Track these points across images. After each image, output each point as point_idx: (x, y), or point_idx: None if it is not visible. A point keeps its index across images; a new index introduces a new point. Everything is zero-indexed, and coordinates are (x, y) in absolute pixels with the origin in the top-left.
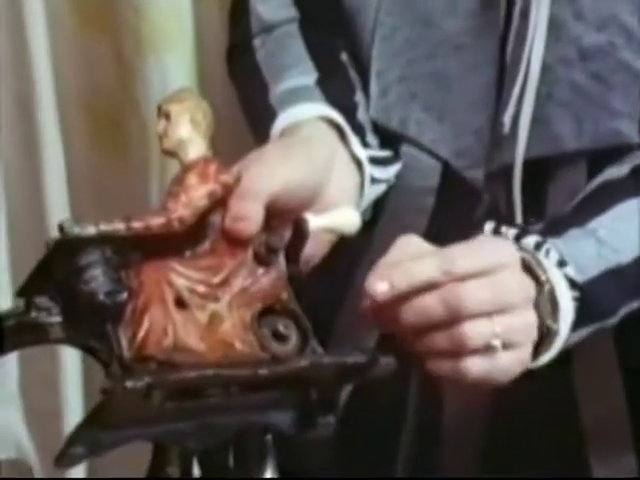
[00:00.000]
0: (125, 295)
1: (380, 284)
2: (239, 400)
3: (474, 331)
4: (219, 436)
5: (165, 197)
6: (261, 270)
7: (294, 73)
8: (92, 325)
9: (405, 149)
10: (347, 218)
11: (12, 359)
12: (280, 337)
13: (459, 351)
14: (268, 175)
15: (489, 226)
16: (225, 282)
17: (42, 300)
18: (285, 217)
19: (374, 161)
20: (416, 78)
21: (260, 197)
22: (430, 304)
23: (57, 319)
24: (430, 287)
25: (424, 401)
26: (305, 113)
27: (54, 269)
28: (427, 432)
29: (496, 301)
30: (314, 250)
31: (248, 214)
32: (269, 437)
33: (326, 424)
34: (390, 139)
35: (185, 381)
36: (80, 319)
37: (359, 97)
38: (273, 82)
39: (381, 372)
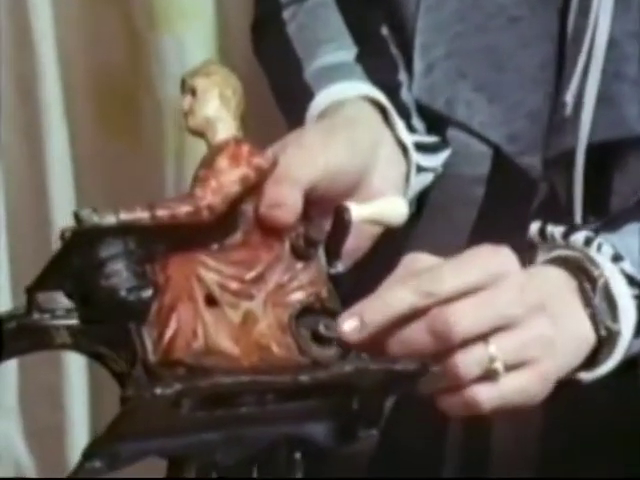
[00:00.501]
0: (150, 292)
1: (348, 322)
2: (273, 409)
3: (467, 359)
4: (249, 448)
5: (192, 182)
6: (299, 265)
7: (331, 48)
8: (111, 325)
9: (452, 133)
10: (393, 207)
11: (11, 367)
12: (321, 339)
13: (458, 383)
14: (308, 159)
15: (535, 226)
16: (260, 278)
17: (46, 300)
18: (323, 207)
19: (420, 147)
20: (465, 54)
21: (299, 183)
22: (415, 334)
23: (63, 322)
24: (417, 313)
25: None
26: (346, 92)
27: (71, 262)
28: (473, 453)
29: (490, 319)
30: (356, 244)
31: (286, 200)
32: (298, 454)
33: (368, 437)
34: (435, 122)
35: (219, 388)
36: (98, 318)
37: (402, 76)
38: (307, 58)
39: (431, 382)
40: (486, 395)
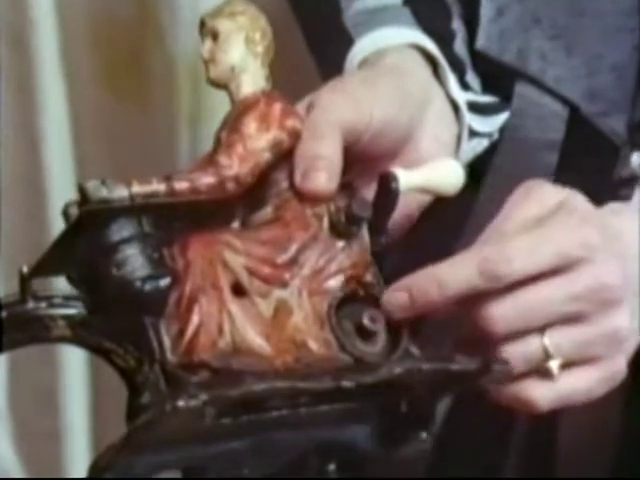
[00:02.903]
0: (168, 280)
1: (396, 296)
2: (308, 412)
3: (516, 353)
4: (280, 458)
5: (215, 146)
6: (339, 244)
7: None
8: (120, 317)
9: (521, 90)
10: (447, 173)
11: None
12: (365, 333)
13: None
14: (350, 103)
15: (638, 157)
16: (294, 261)
17: (42, 286)
18: (364, 169)
19: (474, 108)
20: None
21: (338, 128)
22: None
23: (61, 311)
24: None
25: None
26: (392, 39)
27: (77, 245)
28: (537, 458)
29: (542, 314)
30: (402, 216)
31: (324, 151)
32: (332, 466)
33: (418, 441)
34: (500, 77)
35: (250, 395)
36: (108, 311)
37: (456, 24)
38: None
39: (494, 381)
40: (540, 394)
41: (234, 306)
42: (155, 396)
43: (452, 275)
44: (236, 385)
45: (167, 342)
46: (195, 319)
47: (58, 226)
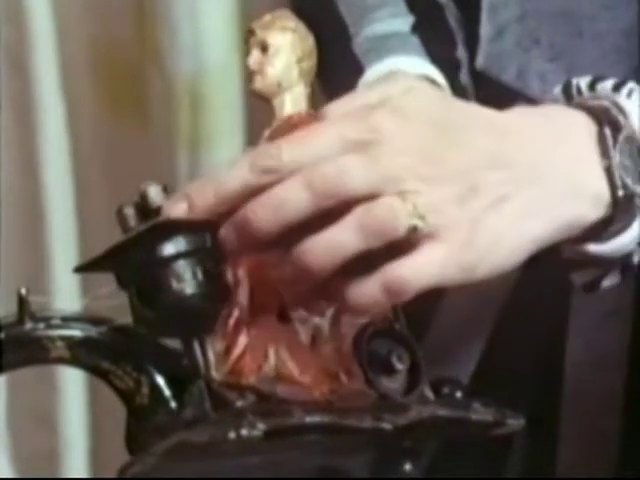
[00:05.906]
0: (222, 297)
1: (176, 207)
2: (319, 439)
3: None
4: (283, 477)
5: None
6: None
7: (384, 15)
8: (170, 331)
9: None
10: None
11: None
12: (390, 371)
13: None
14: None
15: (558, 87)
16: None
17: (40, 307)
18: None
19: None
20: (540, 17)
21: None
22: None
23: (59, 332)
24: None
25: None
26: (403, 68)
27: (137, 250)
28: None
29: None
30: None
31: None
32: None
33: (408, 473)
34: (500, 102)
35: (302, 428)
36: (158, 322)
37: (461, 53)
38: (355, 25)
39: (505, 434)
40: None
41: (279, 331)
42: (199, 413)
43: (226, 174)
44: (288, 416)
45: (212, 358)
46: (243, 340)
47: (56, 248)
